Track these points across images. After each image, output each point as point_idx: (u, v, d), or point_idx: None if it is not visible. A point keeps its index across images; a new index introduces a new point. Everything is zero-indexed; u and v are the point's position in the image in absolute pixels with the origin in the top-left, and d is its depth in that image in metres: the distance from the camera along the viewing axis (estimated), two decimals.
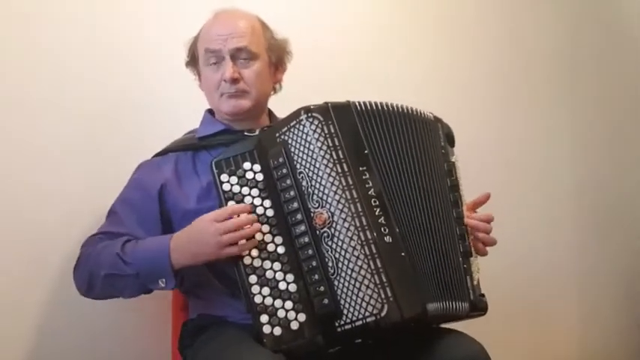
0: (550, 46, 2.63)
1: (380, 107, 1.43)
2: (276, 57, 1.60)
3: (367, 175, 1.35)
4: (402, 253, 1.32)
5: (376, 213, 1.32)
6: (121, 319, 1.77)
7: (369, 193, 1.33)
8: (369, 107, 1.42)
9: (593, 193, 2.70)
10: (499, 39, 2.53)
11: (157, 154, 1.60)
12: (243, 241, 1.32)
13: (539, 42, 2.61)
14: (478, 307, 1.46)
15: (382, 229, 1.31)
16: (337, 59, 2.16)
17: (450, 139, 1.58)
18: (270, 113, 1.66)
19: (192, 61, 1.62)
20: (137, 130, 1.83)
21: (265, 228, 1.35)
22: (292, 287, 1.32)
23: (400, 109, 1.46)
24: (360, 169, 1.35)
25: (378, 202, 1.33)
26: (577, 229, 2.67)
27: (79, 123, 1.78)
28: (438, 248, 1.40)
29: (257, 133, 1.53)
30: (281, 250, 1.34)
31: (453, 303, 1.39)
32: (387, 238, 1.31)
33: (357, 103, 1.41)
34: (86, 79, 1.79)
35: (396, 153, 1.41)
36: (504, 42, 2.54)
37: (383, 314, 1.24)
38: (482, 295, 1.49)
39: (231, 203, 1.36)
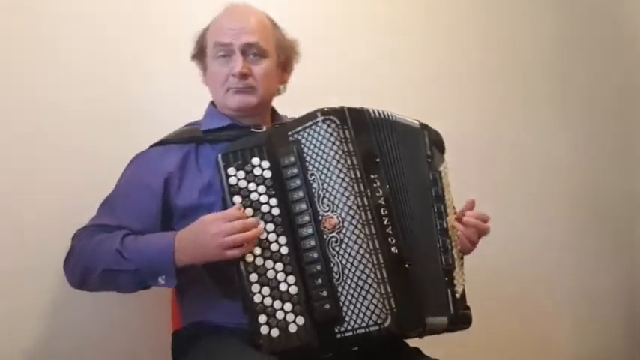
0: (549, 47, 2.66)
1: (387, 115, 1.44)
2: (285, 57, 1.58)
3: (377, 184, 1.35)
4: (407, 265, 1.32)
5: (384, 222, 1.32)
6: (122, 322, 1.74)
7: (379, 202, 1.34)
8: (380, 115, 1.42)
9: (593, 193, 2.70)
10: (499, 39, 2.55)
11: (155, 145, 1.54)
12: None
13: (538, 42, 2.64)
14: (459, 321, 1.45)
15: (389, 240, 1.32)
16: (337, 59, 2.16)
17: (439, 146, 1.57)
18: (274, 112, 1.64)
19: (200, 54, 1.58)
20: (139, 131, 1.77)
21: (270, 227, 1.32)
22: (293, 289, 1.29)
23: (397, 118, 1.46)
24: (372, 176, 1.35)
25: (386, 212, 1.34)
26: (576, 230, 2.67)
27: (80, 123, 1.76)
28: (427, 260, 1.41)
29: (264, 129, 1.50)
30: (284, 250, 1.31)
31: (437, 317, 1.39)
32: (394, 249, 1.31)
33: (370, 110, 1.42)
34: (89, 78, 1.78)
35: (399, 162, 1.42)
36: (504, 42, 2.56)
37: (387, 324, 1.24)
38: (467, 308, 1.49)
39: (236, 198, 1.33)
